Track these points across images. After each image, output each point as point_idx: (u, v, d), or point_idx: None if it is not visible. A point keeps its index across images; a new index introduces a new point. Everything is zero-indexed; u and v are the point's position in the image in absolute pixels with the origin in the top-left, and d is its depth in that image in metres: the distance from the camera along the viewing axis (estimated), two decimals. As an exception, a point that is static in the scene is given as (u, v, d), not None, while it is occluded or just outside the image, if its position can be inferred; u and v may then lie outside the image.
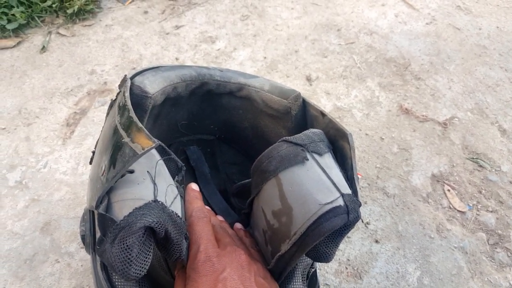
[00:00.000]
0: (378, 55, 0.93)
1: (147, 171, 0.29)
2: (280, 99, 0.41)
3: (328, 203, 0.29)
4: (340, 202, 0.29)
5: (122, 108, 0.31)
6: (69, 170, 0.68)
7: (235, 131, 0.50)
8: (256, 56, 0.91)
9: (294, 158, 0.32)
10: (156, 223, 0.26)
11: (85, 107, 0.77)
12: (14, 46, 0.87)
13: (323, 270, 0.59)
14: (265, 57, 0.91)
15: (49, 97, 0.79)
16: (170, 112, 0.45)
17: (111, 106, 0.36)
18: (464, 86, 0.88)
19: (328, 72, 0.88)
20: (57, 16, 0.94)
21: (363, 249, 0.61)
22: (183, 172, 0.35)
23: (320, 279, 0.58)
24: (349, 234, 0.63)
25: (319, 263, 0.59)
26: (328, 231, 0.29)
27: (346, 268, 0.59)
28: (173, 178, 0.33)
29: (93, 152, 0.39)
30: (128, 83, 0.34)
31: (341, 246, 0.62)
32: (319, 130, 0.36)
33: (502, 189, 0.70)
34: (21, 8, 0.90)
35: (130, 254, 0.25)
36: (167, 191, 0.30)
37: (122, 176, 0.28)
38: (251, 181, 0.36)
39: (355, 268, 0.59)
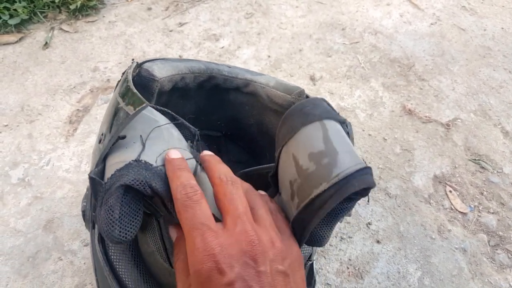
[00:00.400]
0: (382, 55, 0.93)
1: (140, 135, 0.29)
2: (285, 94, 0.42)
3: (364, 162, 0.29)
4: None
5: (123, 81, 0.32)
6: (72, 168, 0.68)
7: (241, 128, 0.51)
8: (260, 54, 0.90)
9: (335, 116, 0.32)
10: (134, 180, 0.25)
11: (88, 105, 0.77)
12: (16, 42, 0.87)
13: (325, 270, 0.59)
14: (269, 56, 0.90)
15: (51, 94, 0.79)
16: (178, 103, 0.45)
17: (116, 86, 0.37)
18: (467, 87, 0.88)
19: (332, 72, 0.88)
20: (60, 12, 0.94)
21: (364, 249, 0.62)
22: (198, 137, 0.34)
23: (322, 278, 0.58)
24: (350, 234, 0.63)
25: (320, 264, 0.60)
26: (369, 184, 0.27)
27: (348, 268, 0.60)
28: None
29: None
30: (134, 63, 0.35)
31: (343, 246, 0.62)
32: None
33: (504, 190, 0.70)
34: (24, 3, 0.90)
35: (112, 215, 0.25)
36: (164, 153, 0.29)
37: (115, 142, 0.28)
38: (279, 132, 0.33)
39: (357, 268, 0.60)
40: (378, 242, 0.63)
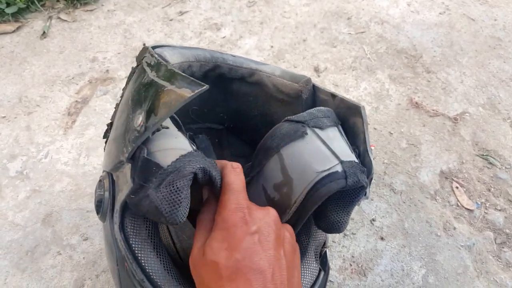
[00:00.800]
0: (389, 45, 0.91)
1: (178, 130, 0.31)
2: (292, 83, 0.42)
3: (325, 170, 0.32)
4: (338, 168, 0.32)
5: (157, 65, 0.32)
6: (70, 161, 0.67)
7: (244, 120, 0.50)
8: (262, 44, 0.88)
9: (294, 133, 0.34)
10: (202, 169, 0.28)
11: (87, 96, 0.76)
12: (13, 31, 0.85)
13: (327, 267, 0.58)
14: (272, 46, 0.88)
15: (49, 85, 0.77)
16: None
17: (132, 73, 0.37)
18: (476, 80, 0.85)
19: (337, 63, 0.86)
20: (58, 0, 0.92)
21: (368, 246, 0.61)
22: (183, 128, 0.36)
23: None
24: (354, 231, 0.62)
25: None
26: (324, 196, 0.31)
27: (351, 265, 0.59)
28: None
29: (109, 124, 0.39)
30: (151, 48, 0.36)
31: (346, 242, 0.61)
32: (326, 108, 0.38)
33: (512, 187, 0.69)
34: (21, -9, 0.88)
35: (180, 196, 0.26)
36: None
37: (158, 130, 0.29)
38: (252, 163, 0.38)
39: (360, 265, 0.59)
40: (382, 239, 0.62)
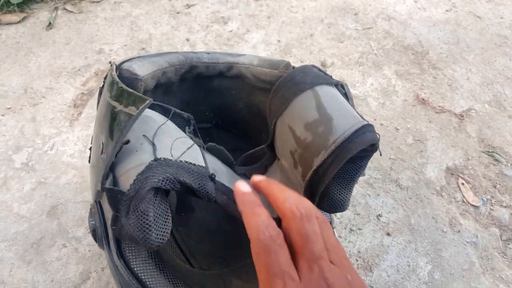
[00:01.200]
0: (396, 42, 0.90)
1: (143, 135, 0.29)
2: (271, 70, 0.41)
3: (364, 119, 0.30)
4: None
5: (111, 84, 0.31)
6: (76, 153, 0.66)
7: (231, 114, 0.49)
8: (269, 39, 0.88)
9: (327, 79, 0.33)
10: (162, 181, 0.25)
11: (93, 88, 0.75)
12: (19, 22, 0.85)
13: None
14: (279, 41, 0.88)
15: (55, 76, 0.77)
16: (163, 101, 0.44)
17: (100, 93, 0.36)
18: (482, 77, 0.85)
19: (344, 58, 0.86)
20: (63, -9, 0.91)
21: (374, 242, 0.60)
22: (193, 122, 0.35)
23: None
24: (360, 226, 0.62)
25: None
26: (368, 142, 0.29)
27: (357, 261, 0.59)
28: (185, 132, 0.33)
29: (90, 149, 0.38)
30: (113, 65, 0.34)
31: (352, 238, 0.61)
32: None
33: (518, 184, 0.69)
34: (26, -18, 0.87)
35: (147, 219, 0.25)
36: (174, 145, 0.29)
37: (120, 148, 0.27)
38: (270, 103, 0.35)
39: (366, 261, 0.59)
40: (388, 234, 0.61)
